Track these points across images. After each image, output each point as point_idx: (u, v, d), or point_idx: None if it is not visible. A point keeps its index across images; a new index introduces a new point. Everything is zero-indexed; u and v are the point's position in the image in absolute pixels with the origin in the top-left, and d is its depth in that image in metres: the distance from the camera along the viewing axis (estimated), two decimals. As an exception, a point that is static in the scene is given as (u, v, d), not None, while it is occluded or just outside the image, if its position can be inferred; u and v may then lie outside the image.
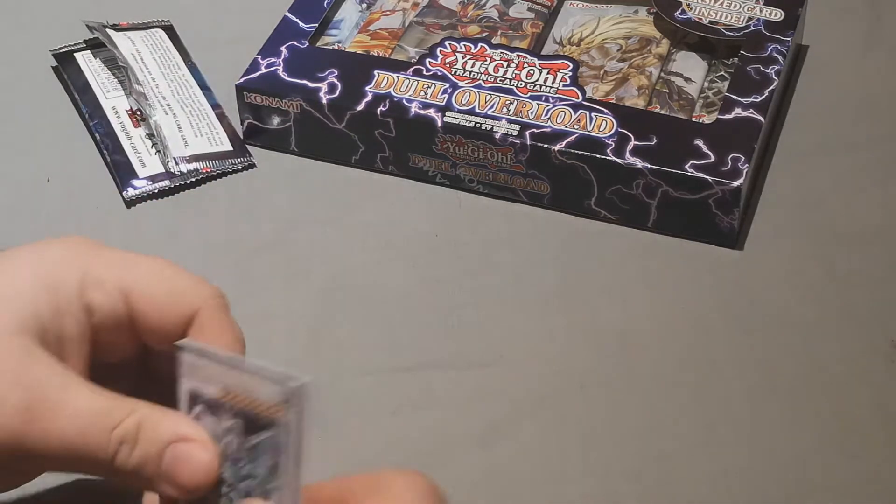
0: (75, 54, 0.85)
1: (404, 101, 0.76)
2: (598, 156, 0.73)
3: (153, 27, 0.86)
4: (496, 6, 0.85)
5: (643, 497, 0.63)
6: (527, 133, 0.74)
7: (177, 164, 0.78)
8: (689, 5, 0.81)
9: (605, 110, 0.75)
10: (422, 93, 0.77)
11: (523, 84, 0.77)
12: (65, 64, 0.84)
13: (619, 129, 0.74)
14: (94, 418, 0.49)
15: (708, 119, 0.76)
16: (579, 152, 0.73)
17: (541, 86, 0.77)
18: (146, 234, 0.75)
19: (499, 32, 0.82)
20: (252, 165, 0.79)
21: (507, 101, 0.76)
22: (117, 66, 0.83)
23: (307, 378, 0.48)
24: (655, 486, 0.63)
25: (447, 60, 0.78)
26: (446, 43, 0.80)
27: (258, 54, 0.80)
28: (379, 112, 0.76)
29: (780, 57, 0.78)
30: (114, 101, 0.82)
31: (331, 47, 0.82)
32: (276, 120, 0.79)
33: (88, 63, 0.84)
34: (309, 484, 0.50)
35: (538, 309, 0.71)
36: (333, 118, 0.77)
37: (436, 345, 0.69)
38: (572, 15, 0.84)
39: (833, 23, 0.86)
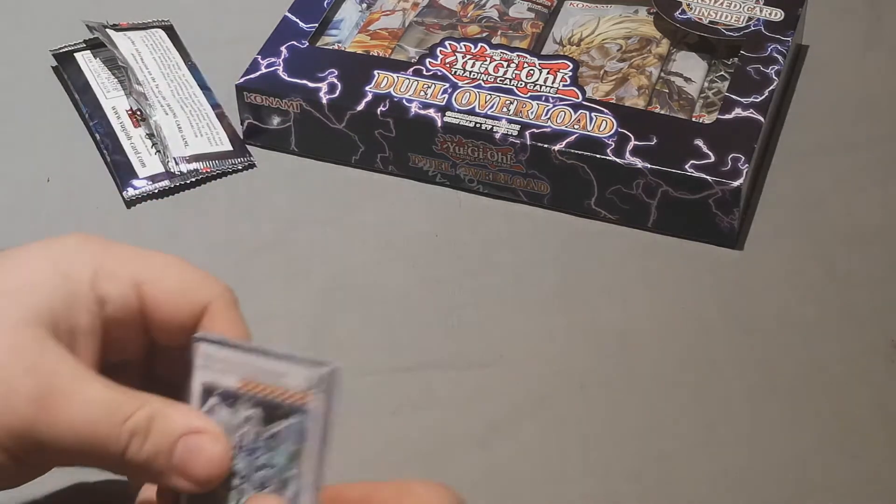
0: (75, 54, 0.85)
1: (404, 101, 0.76)
2: (598, 156, 0.73)
3: (153, 27, 0.86)
4: (496, 6, 0.85)
5: (643, 497, 0.63)
6: (527, 133, 0.74)
7: (177, 164, 0.78)
8: (689, 5, 0.81)
9: (605, 110, 0.75)
10: (422, 93, 0.77)
11: (523, 84, 0.77)
12: (65, 64, 0.84)
13: (619, 129, 0.74)
14: (105, 410, 0.49)
15: (708, 119, 0.76)
16: (579, 152, 0.73)
17: (541, 86, 0.77)
18: (146, 234, 0.75)
19: (499, 32, 0.82)
20: (252, 165, 0.79)
21: (507, 101, 0.76)
22: (117, 66, 0.83)
23: (337, 363, 0.49)
24: (655, 486, 0.63)
25: (447, 60, 0.78)
26: (446, 43, 0.80)
27: (258, 54, 0.80)
28: (379, 112, 0.76)
29: (780, 57, 0.78)
30: (114, 101, 0.82)
31: (331, 47, 0.82)
32: (276, 120, 0.79)
33: (88, 63, 0.84)
34: (333, 484, 0.50)
35: (538, 309, 0.71)
36: (333, 118, 0.77)
37: (436, 345, 0.69)
38: (572, 15, 0.84)
39: (833, 23, 0.86)
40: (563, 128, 0.74)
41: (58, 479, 0.56)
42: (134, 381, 0.53)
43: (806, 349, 0.68)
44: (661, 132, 0.74)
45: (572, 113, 0.75)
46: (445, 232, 0.75)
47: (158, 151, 0.79)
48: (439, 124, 0.75)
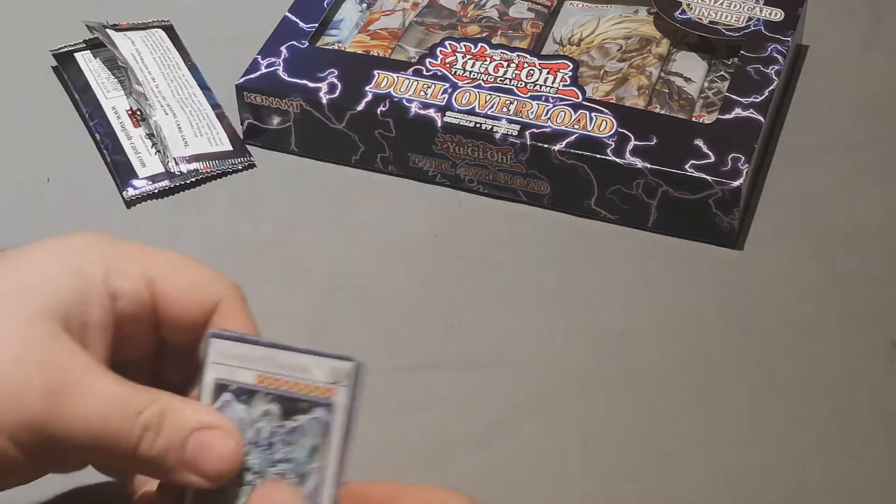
0: (75, 54, 0.85)
1: (404, 101, 0.76)
2: (598, 156, 0.73)
3: (153, 27, 0.86)
4: (496, 6, 0.85)
5: (643, 497, 0.63)
6: (527, 133, 0.74)
7: (177, 164, 0.78)
8: (689, 5, 0.81)
9: (605, 110, 0.75)
10: (422, 93, 0.77)
11: (523, 84, 0.77)
12: (65, 64, 0.84)
13: (619, 129, 0.74)
14: (118, 404, 0.49)
15: (708, 119, 0.76)
16: (579, 152, 0.73)
17: (541, 86, 0.77)
18: (146, 234, 0.75)
19: (499, 32, 0.82)
20: (252, 165, 0.79)
21: (507, 101, 0.76)
22: (117, 66, 0.83)
23: (362, 358, 0.49)
24: (655, 486, 0.63)
25: (447, 60, 0.78)
26: (446, 43, 0.80)
27: (258, 54, 0.80)
28: (379, 112, 0.76)
29: (780, 57, 0.78)
30: (114, 101, 0.82)
31: (331, 47, 0.82)
32: (276, 120, 0.79)
33: (88, 63, 0.84)
34: (359, 481, 0.50)
35: (538, 309, 0.71)
36: (333, 118, 0.77)
37: (436, 345, 0.69)
38: (572, 15, 0.84)
39: (833, 23, 0.86)
40: (563, 128, 0.74)
41: (58, 480, 0.56)
42: (140, 382, 0.53)
43: (806, 349, 0.68)
44: (661, 132, 0.74)
45: (572, 113, 0.75)
46: (445, 232, 0.75)
47: (158, 151, 0.79)
48: (439, 124, 0.75)
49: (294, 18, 0.82)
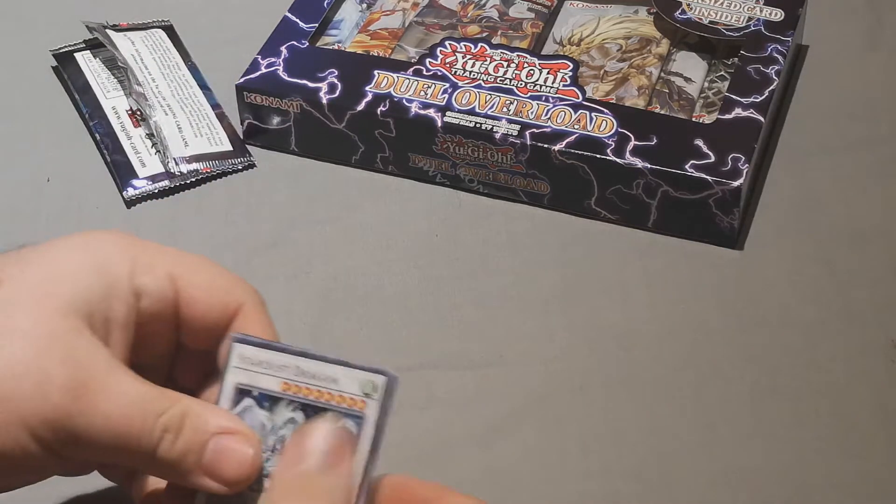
0: (75, 54, 0.85)
1: (404, 101, 0.76)
2: (598, 156, 0.73)
3: (153, 27, 0.86)
4: (496, 6, 0.85)
5: (643, 497, 0.63)
6: (527, 133, 0.74)
7: (177, 164, 0.78)
8: (689, 5, 0.81)
9: (605, 110, 0.75)
10: (422, 93, 0.77)
11: (523, 84, 0.77)
12: (65, 64, 0.84)
13: (619, 129, 0.74)
14: (139, 403, 0.49)
15: (708, 119, 0.76)
16: (579, 152, 0.73)
17: (541, 86, 0.77)
18: (146, 235, 0.75)
19: (499, 32, 0.82)
20: (252, 165, 0.79)
21: (507, 101, 0.76)
22: (117, 66, 0.83)
23: (394, 372, 0.49)
24: (655, 486, 0.63)
25: (447, 60, 0.78)
26: (446, 43, 0.80)
27: (258, 54, 0.80)
28: (379, 112, 0.76)
29: (780, 57, 0.78)
30: (114, 101, 0.82)
31: (331, 47, 0.82)
32: (276, 120, 0.79)
33: (88, 63, 0.84)
34: (399, 474, 0.50)
35: (538, 309, 0.71)
36: (333, 118, 0.77)
37: (436, 345, 0.69)
38: (572, 15, 0.84)
39: (833, 23, 0.86)
40: (563, 128, 0.74)
41: (59, 482, 0.56)
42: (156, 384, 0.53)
43: (806, 349, 0.68)
44: (661, 132, 0.74)
45: (572, 113, 0.75)
46: (445, 232, 0.75)
47: (158, 151, 0.79)
48: (439, 124, 0.75)
49: (294, 18, 0.82)
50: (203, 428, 0.49)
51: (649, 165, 0.72)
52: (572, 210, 0.76)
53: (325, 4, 0.84)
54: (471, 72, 0.78)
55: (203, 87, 0.82)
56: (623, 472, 0.63)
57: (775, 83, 0.77)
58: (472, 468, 0.64)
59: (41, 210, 0.77)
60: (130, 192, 0.77)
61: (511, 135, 0.74)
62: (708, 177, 0.72)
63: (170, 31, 0.86)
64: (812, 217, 0.75)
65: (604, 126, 0.74)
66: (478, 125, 0.75)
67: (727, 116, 0.75)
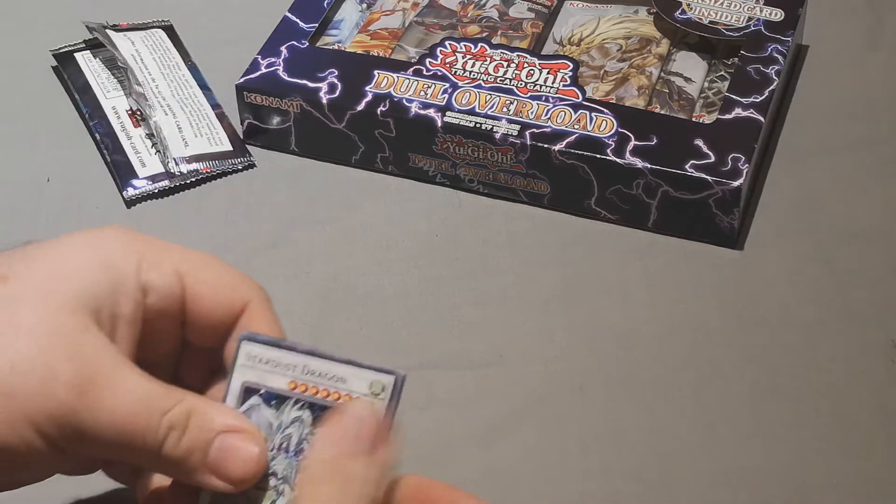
0: (75, 54, 0.85)
1: (404, 101, 0.76)
2: (598, 156, 0.73)
3: (153, 27, 0.86)
4: (496, 6, 0.85)
5: (643, 497, 0.63)
6: (527, 133, 0.74)
7: (177, 164, 0.78)
8: (689, 5, 0.81)
9: (605, 110, 0.75)
10: (422, 93, 0.77)
11: (523, 84, 0.77)
12: (65, 64, 0.84)
13: (619, 129, 0.74)
14: (145, 400, 0.48)
15: (708, 119, 0.76)
16: (579, 152, 0.73)
17: (541, 86, 0.77)
18: (146, 234, 0.75)
19: (499, 32, 0.82)
20: (252, 165, 0.79)
21: (507, 101, 0.76)
22: (117, 67, 0.83)
23: (402, 372, 0.49)
24: (655, 486, 0.63)
25: (447, 60, 0.78)
26: (446, 43, 0.80)
27: (258, 54, 0.80)
28: (379, 112, 0.76)
29: (780, 57, 0.78)
30: (114, 101, 0.82)
31: (331, 47, 0.82)
32: (276, 120, 0.79)
33: (88, 63, 0.84)
34: (414, 475, 0.50)
35: (538, 309, 0.71)
36: (333, 118, 0.77)
37: (436, 345, 0.69)
38: (572, 15, 0.84)
39: (833, 23, 0.86)
40: (563, 128, 0.74)
41: (62, 483, 0.56)
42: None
43: (806, 349, 0.68)
44: (661, 132, 0.74)
45: (572, 113, 0.75)
46: (445, 232, 0.75)
47: (158, 151, 0.79)
48: (439, 124, 0.75)
49: (294, 18, 0.82)
50: (209, 426, 0.49)
51: (649, 165, 0.72)
52: (572, 210, 0.76)
53: (325, 4, 0.84)
54: (471, 72, 0.78)
55: (203, 87, 0.82)
56: (623, 472, 0.63)
57: (775, 83, 0.77)
58: (472, 468, 0.64)
59: (41, 210, 0.77)
60: (130, 192, 0.77)
61: (511, 135, 0.74)
62: (708, 177, 0.72)
63: (170, 31, 0.86)
64: (812, 217, 0.75)
65: (604, 126, 0.74)
66: (478, 125, 0.75)
67: (727, 116, 0.75)
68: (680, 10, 0.81)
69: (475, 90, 0.77)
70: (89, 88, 0.83)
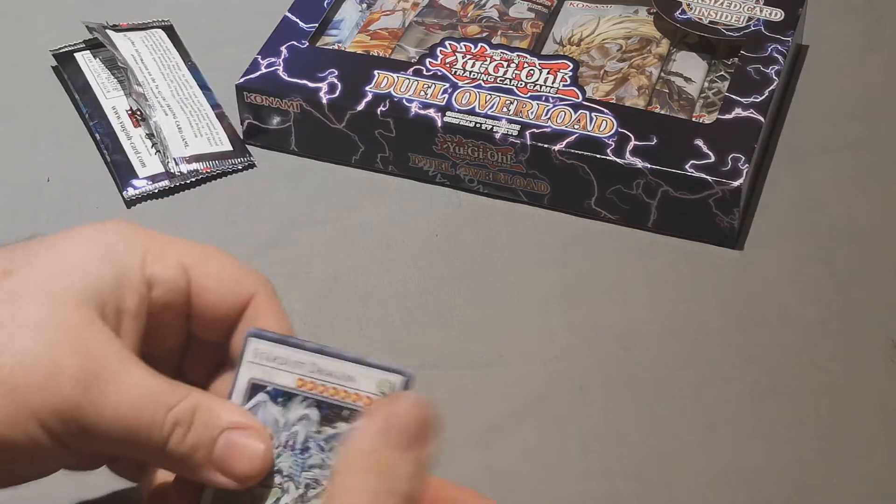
0: (75, 54, 0.85)
1: (404, 101, 0.76)
2: (598, 156, 0.73)
3: (153, 27, 0.86)
4: (496, 6, 0.85)
5: (643, 497, 0.63)
6: (527, 133, 0.74)
7: (177, 164, 0.78)
8: (689, 5, 0.81)
9: (605, 110, 0.75)
10: (422, 93, 0.77)
11: (523, 84, 0.77)
12: (65, 64, 0.84)
13: (619, 129, 0.74)
14: (150, 396, 0.48)
15: (708, 119, 0.76)
16: (579, 152, 0.73)
17: (541, 86, 0.77)
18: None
19: (499, 32, 0.82)
20: (252, 165, 0.79)
21: (507, 101, 0.76)
22: (117, 67, 0.83)
23: (412, 371, 0.49)
24: (655, 486, 0.63)
25: (447, 60, 0.78)
26: (446, 43, 0.80)
27: (258, 54, 0.80)
28: (379, 112, 0.76)
29: (780, 57, 0.78)
30: (114, 101, 0.82)
31: (331, 47, 0.82)
32: (276, 120, 0.79)
33: (88, 63, 0.84)
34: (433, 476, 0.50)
35: (538, 309, 0.71)
36: (333, 118, 0.77)
37: (436, 345, 0.69)
38: (572, 15, 0.84)
39: (833, 23, 0.86)
40: (563, 128, 0.74)
41: (61, 480, 0.56)
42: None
43: (806, 349, 0.68)
44: (661, 132, 0.74)
45: (572, 113, 0.75)
46: (445, 232, 0.75)
47: (158, 151, 0.79)
48: (439, 124, 0.75)
49: (294, 18, 0.82)
50: (214, 423, 0.49)
51: (649, 165, 0.72)
52: (572, 210, 0.76)
53: (325, 4, 0.84)
54: (471, 72, 0.78)
55: (203, 87, 0.82)
56: (623, 472, 0.63)
57: (775, 83, 0.77)
58: (472, 468, 0.64)
59: (41, 210, 0.77)
60: (130, 192, 0.77)
61: (511, 135, 0.74)
62: (708, 177, 0.72)
63: (170, 31, 0.86)
64: (812, 217, 0.75)
65: (604, 126, 0.74)
66: (478, 125, 0.75)
67: (727, 116, 0.75)
68: (680, 10, 0.81)
69: (475, 90, 0.77)
70: (89, 88, 0.83)
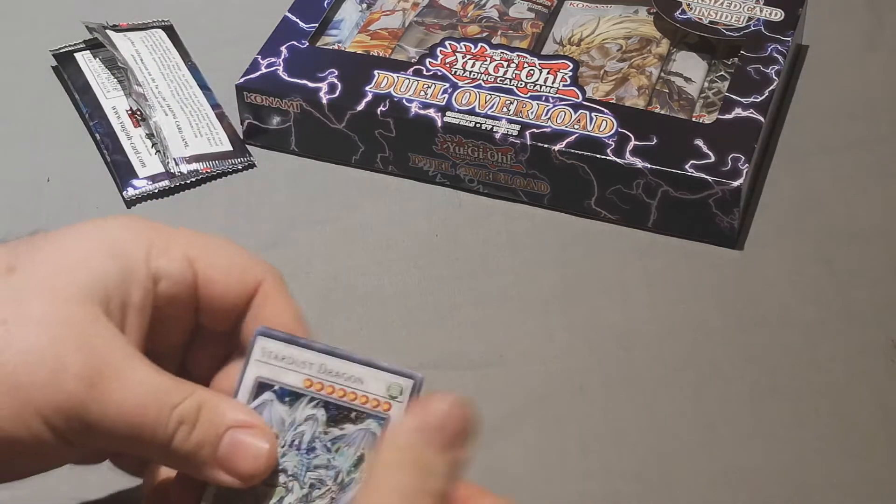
0: (75, 54, 0.85)
1: (404, 101, 0.76)
2: (598, 156, 0.73)
3: (153, 27, 0.86)
4: (496, 6, 0.85)
5: (643, 497, 0.63)
6: (527, 133, 0.74)
7: (177, 164, 0.78)
8: (689, 5, 0.81)
9: (605, 110, 0.75)
10: (422, 93, 0.77)
11: (523, 84, 0.77)
12: (65, 64, 0.84)
13: (619, 129, 0.74)
14: (155, 394, 0.48)
15: (708, 119, 0.76)
16: (579, 152, 0.73)
17: (541, 86, 0.77)
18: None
19: (499, 32, 0.82)
20: (252, 165, 0.79)
21: (507, 101, 0.76)
22: (117, 67, 0.83)
23: (420, 374, 0.49)
24: (655, 486, 0.63)
25: (447, 60, 0.78)
26: (446, 43, 0.80)
27: (258, 54, 0.80)
28: (379, 112, 0.76)
29: (780, 57, 0.78)
30: (114, 101, 0.82)
31: (331, 47, 0.82)
32: (276, 120, 0.79)
33: (88, 63, 0.84)
34: (469, 482, 0.50)
35: (538, 309, 0.71)
36: (333, 118, 0.77)
37: (436, 345, 0.69)
38: (572, 15, 0.84)
39: (833, 23, 0.86)
40: (563, 128, 0.74)
41: (62, 480, 0.56)
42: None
43: (806, 349, 0.68)
44: (661, 132, 0.74)
45: (572, 113, 0.75)
46: (445, 232, 0.75)
47: (158, 152, 0.79)
48: (439, 124, 0.75)
49: (294, 18, 0.82)
50: (219, 421, 0.49)
51: (649, 165, 0.72)
52: (572, 210, 0.76)
53: (325, 4, 0.84)
54: (471, 72, 0.78)
55: (203, 87, 0.82)
56: (623, 472, 0.63)
57: (775, 83, 0.77)
58: (472, 468, 0.63)
59: (41, 210, 0.77)
60: (130, 192, 0.77)
61: (511, 135, 0.74)
62: (708, 177, 0.72)
63: (170, 31, 0.86)
64: (812, 217, 0.75)
65: (604, 126, 0.74)
66: (478, 125, 0.75)
67: (727, 116, 0.75)
68: (680, 10, 0.81)
69: (475, 90, 0.77)
70: (89, 88, 0.83)
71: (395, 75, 0.78)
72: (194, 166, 0.78)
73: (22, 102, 0.84)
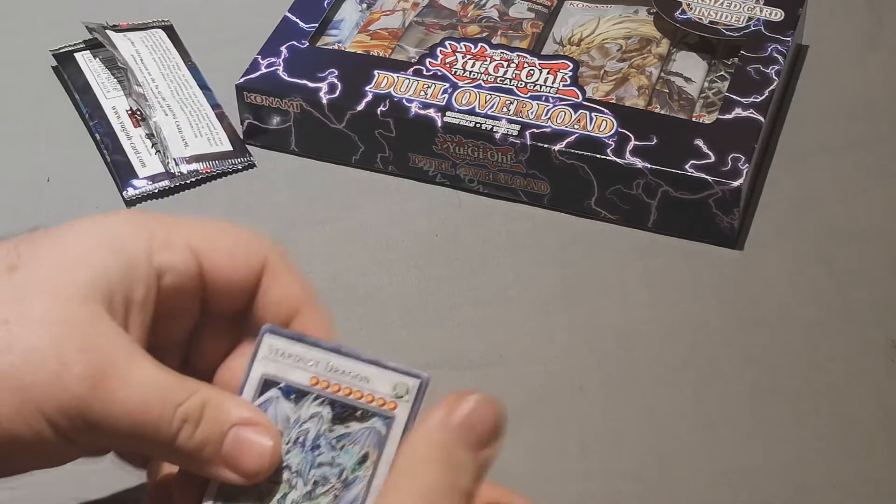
0: (75, 54, 0.85)
1: (404, 101, 0.76)
2: (598, 156, 0.73)
3: (153, 27, 0.86)
4: (496, 6, 0.85)
5: (643, 497, 0.63)
6: (527, 133, 0.74)
7: (177, 164, 0.78)
8: (689, 5, 0.81)
9: (605, 110, 0.75)
10: (422, 93, 0.77)
11: (523, 84, 0.77)
12: (65, 64, 0.84)
13: (619, 129, 0.74)
14: (159, 392, 0.48)
15: (708, 119, 0.76)
16: (579, 152, 0.73)
17: (541, 86, 0.77)
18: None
19: (499, 32, 0.82)
20: (252, 165, 0.79)
21: (507, 101, 0.76)
22: (117, 67, 0.83)
23: (427, 374, 0.49)
24: (655, 486, 0.63)
25: (447, 60, 0.78)
26: (446, 43, 0.80)
27: (258, 54, 0.80)
28: (379, 112, 0.76)
29: (780, 57, 0.78)
30: (114, 101, 0.82)
31: (331, 47, 0.82)
32: (276, 120, 0.79)
33: (88, 63, 0.84)
34: (501, 486, 0.50)
35: (538, 309, 0.71)
36: (333, 118, 0.77)
37: (436, 345, 0.69)
38: (572, 15, 0.84)
39: (833, 23, 0.86)
40: (563, 128, 0.74)
41: (62, 479, 0.56)
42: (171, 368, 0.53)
43: (806, 349, 0.68)
44: (661, 132, 0.74)
45: (572, 113, 0.75)
46: (445, 232, 0.75)
47: (158, 152, 0.79)
48: (439, 124, 0.75)
49: (294, 18, 0.82)
50: (223, 418, 0.49)
51: (649, 165, 0.72)
52: (572, 210, 0.76)
53: (325, 4, 0.84)
54: (471, 72, 0.78)
55: (203, 87, 0.82)
56: (623, 472, 0.63)
57: (775, 83, 0.77)
58: (472, 468, 0.63)
59: (41, 210, 0.77)
60: (130, 192, 0.77)
61: (511, 135, 0.74)
62: (708, 177, 0.72)
63: (170, 31, 0.86)
64: (812, 217, 0.75)
65: (604, 126, 0.74)
66: (478, 125, 0.75)
67: (727, 116, 0.75)
68: (680, 10, 0.81)
69: (475, 90, 0.77)
70: (89, 88, 0.83)
71: (395, 75, 0.78)
72: (194, 166, 0.78)
73: (22, 102, 0.84)
